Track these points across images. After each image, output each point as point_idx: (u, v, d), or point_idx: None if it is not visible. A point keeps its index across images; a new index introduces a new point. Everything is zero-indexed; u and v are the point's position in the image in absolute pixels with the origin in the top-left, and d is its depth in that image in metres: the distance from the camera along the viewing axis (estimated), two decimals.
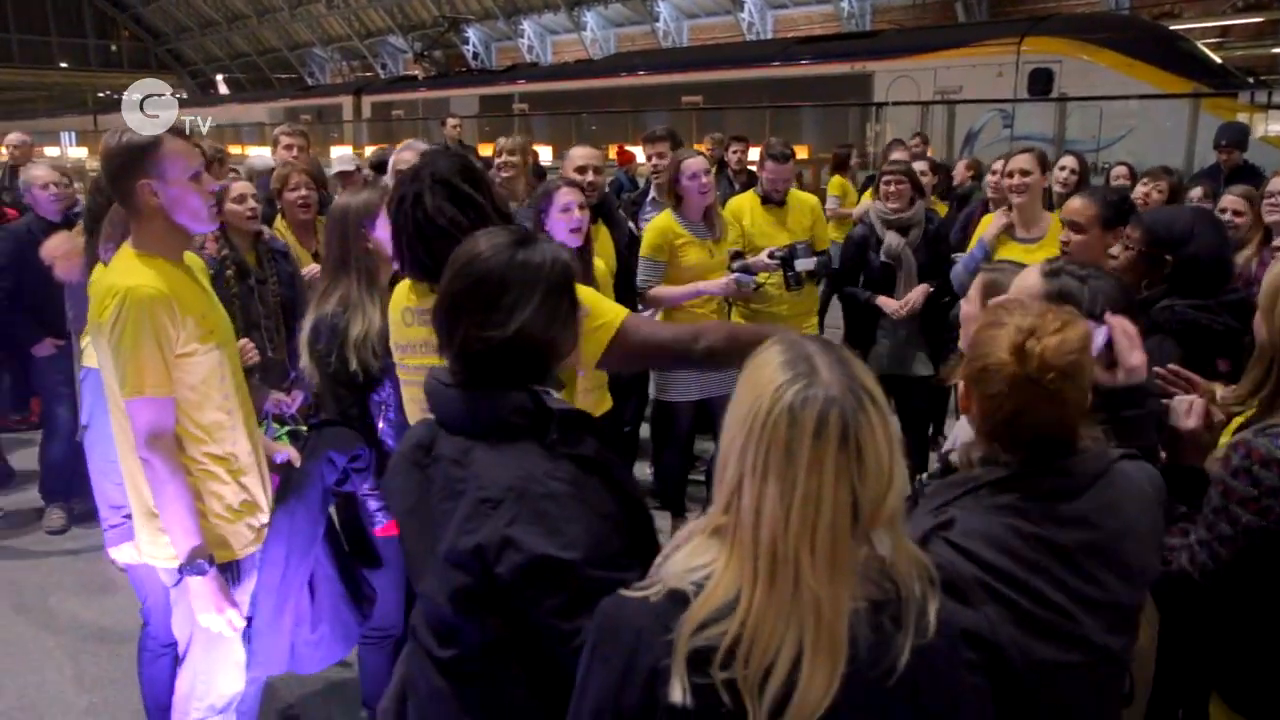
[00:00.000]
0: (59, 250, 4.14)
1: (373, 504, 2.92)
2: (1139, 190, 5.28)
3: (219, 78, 45.22)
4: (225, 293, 3.56)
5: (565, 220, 3.53)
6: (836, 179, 8.96)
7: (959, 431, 2.40)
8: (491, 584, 1.57)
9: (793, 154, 5.08)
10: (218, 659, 2.72)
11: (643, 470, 5.41)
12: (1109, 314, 1.95)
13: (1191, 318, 2.73)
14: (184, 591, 2.64)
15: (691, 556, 1.31)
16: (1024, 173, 4.39)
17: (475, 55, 36.62)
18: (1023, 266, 2.65)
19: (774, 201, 4.99)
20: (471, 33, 36.49)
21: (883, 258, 5.00)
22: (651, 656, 1.25)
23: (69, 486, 5.31)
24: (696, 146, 9.16)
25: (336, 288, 2.92)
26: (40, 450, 5.48)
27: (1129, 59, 13.82)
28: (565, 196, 3.60)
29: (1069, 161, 5.73)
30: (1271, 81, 15.30)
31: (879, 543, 1.27)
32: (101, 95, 46.58)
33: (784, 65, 18.58)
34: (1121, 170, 6.47)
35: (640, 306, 4.44)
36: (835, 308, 5.95)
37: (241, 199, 4.00)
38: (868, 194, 6.89)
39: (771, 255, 4.58)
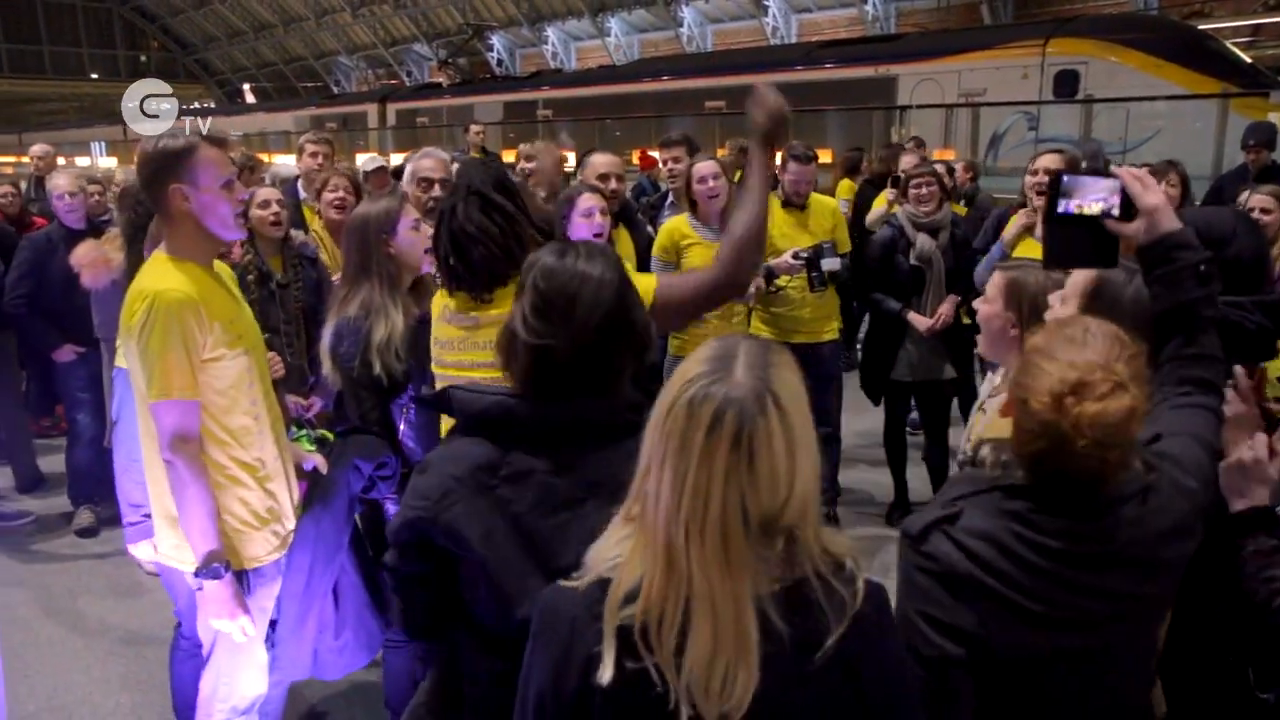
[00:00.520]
0: (86, 258, 4.20)
1: (393, 509, 2.94)
2: None
3: (246, 87, 45.60)
4: (245, 297, 3.60)
5: (587, 225, 3.54)
6: (846, 182, 8.92)
7: (978, 429, 2.39)
8: None
9: (815, 156, 5.08)
10: (240, 661, 2.74)
11: None
12: (1115, 168, 1.91)
13: (1223, 315, 2.70)
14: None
15: (610, 541, 1.35)
16: (1048, 172, 4.36)
17: (499, 62, 36.73)
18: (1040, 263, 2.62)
19: (795, 205, 4.98)
20: (496, 40, 36.62)
21: (914, 260, 4.98)
22: (584, 645, 1.28)
23: (95, 490, 5.38)
24: (719, 152, 9.19)
25: (358, 293, 2.94)
26: (66, 456, 5.56)
27: (1157, 59, 13.64)
28: (587, 201, 3.62)
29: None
30: None
31: (790, 539, 1.29)
32: None
33: (807, 69, 18.51)
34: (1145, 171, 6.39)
35: None
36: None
37: (266, 204, 4.04)
38: (880, 198, 6.85)
39: (796, 256, 4.57)
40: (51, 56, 48.43)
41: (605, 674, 1.24)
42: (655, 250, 4.66)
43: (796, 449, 1.25)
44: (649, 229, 5.10)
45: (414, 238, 3.00)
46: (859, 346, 6.94)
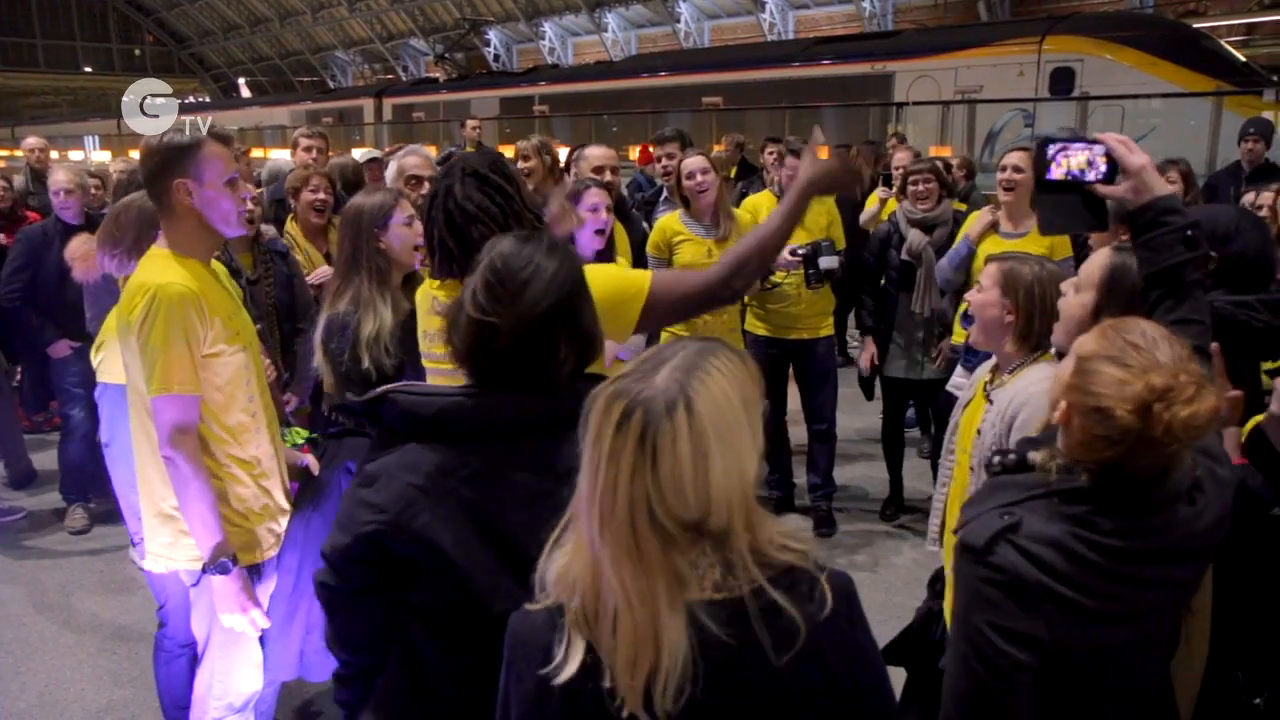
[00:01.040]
0: (78, 252, 4.18)
1: None
2: None
3: (241, 81, 45.49)
4: None
5: (592, 220, 3.52)
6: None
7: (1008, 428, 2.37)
8: None
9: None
10: (235, 659, 2.73)
11: None
12: (1098, 133, 1.93)
13: (1229, 313, 2.69)
14: (203, 591, 2.65)
15: (564, 549, 1.35)
16: (1016, 170, 4.39)
17: (496, 57, 36.70)
18: (1039, 257, 2.63)
19: None
20: (492, 35, 36.58)
21: (904, 255, 4.99)
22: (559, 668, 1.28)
23: (88, 486, 5.37)
24: (716, 147, 9.18)
25: (348, 287, 2.93)
26: (58, 451, 5.53)
27: (1152, 57, 13.68)
28: (593, 197, 3.60)
29: None
30: None
31: (722, 546, 1.28)
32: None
33: (804, 65, 18.51)
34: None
35: None
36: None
37: None
38: (873, 198, 6.85)
39: (794, 253, 4.56)
40: (45, 50, 48.33)
41: (570, 667, 1.25)
42: (649, 248, 4.67)
43: (708, 455, 1.23)
44: (644, 224, 5.10)
45: (406, 233, 2.99)
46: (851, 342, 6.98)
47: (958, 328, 4.47)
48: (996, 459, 1.73)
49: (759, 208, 5.03)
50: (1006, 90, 14.89)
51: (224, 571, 2.51)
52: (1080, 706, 1.59)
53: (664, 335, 4.57)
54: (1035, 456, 1.64)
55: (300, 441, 3.25)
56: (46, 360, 5.51)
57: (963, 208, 5.87)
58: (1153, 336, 1.56)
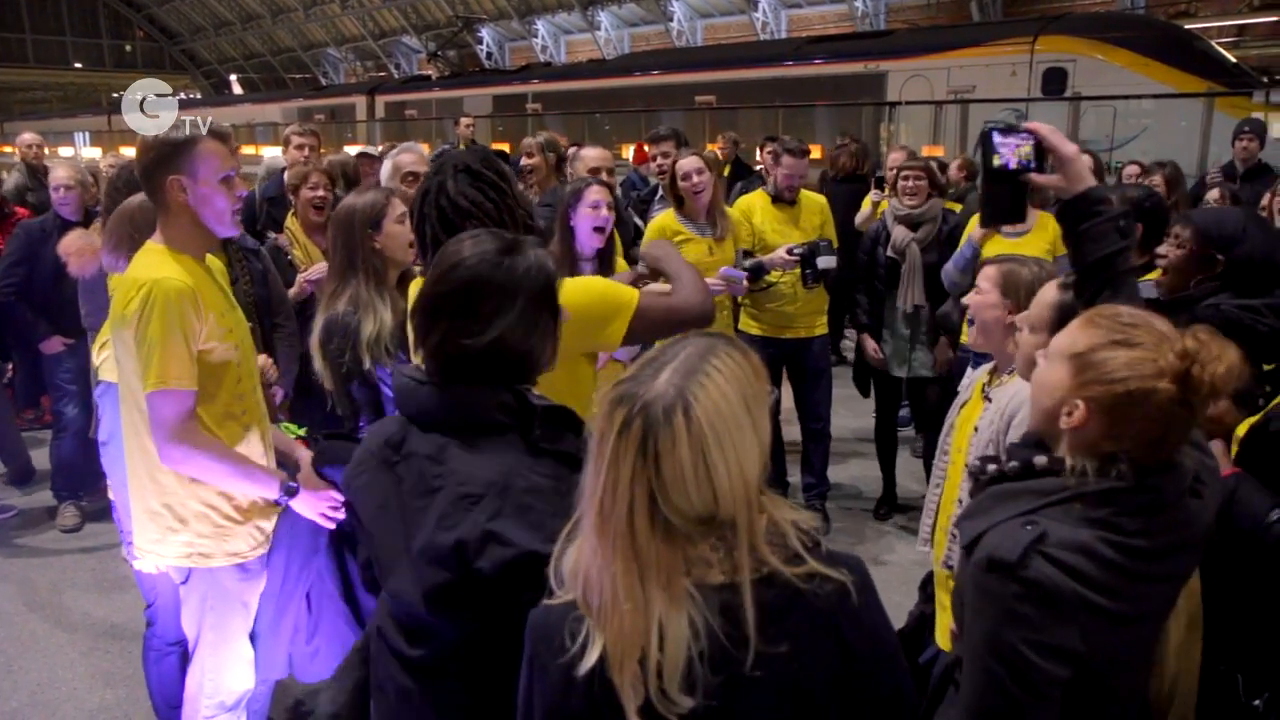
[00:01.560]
0: (72, 247, 4.15)
1: None
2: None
3: (233, 78, 45.40)
4: None
5: (592, 218, 3.49)
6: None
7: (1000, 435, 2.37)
8: (470, 580, 1.58)
9: (808, 150, 5.08)
10: (226, 657, 2.72)
11: None
12: (1026, 123, 1.95)
13: (1235, 317, 2.69)
14: (192, 589, 2.66)
15: (573, 536, 1.38)
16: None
17: (489, 55, 36.66)
18: (1038, 258, 2.64)
19: (785, 200, 4.98)
20: (485, 32, 36.54)
21: (889, 253, 5.00)
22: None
23: (80, 483, 5.35)
24: (710, 146, 9.18)
25: (346, 288, 2.92)
26: (50, 448, 5.51)
27: (1144, 58, 13.73)
28: (595, 194, 3.57)
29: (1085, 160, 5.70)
30: None
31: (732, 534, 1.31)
32: (116, 96, 46.73)
33: (797, 65, 18.52)
34: (1132, 169, 6.43)
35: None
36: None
37: None
38: (866, 200, 6.86)
39: (790, 252, 4.56)
40: (35, 45, 48.07)
41: (591, 657, 1.28)
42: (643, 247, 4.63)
43: (709, 456, 1.26)
44: (638, 222, 5.09)
45: (400, 231, 2.98)
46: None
47: (966, 329, 4.49)
48: (991, 467, 1.69)
49: (752, 209, 5.02)
50: (999, 90, 14.92)
51: (293, 494, 2.62)
52: (1096, 712, 1.57)
53: None
54: (1042, 460, 1.60)
55: (292, 438, 3.24)
56: (39, 356, 5.48)
57: (958, 208, 5.89)
58: (1138, 313, 1.56)
